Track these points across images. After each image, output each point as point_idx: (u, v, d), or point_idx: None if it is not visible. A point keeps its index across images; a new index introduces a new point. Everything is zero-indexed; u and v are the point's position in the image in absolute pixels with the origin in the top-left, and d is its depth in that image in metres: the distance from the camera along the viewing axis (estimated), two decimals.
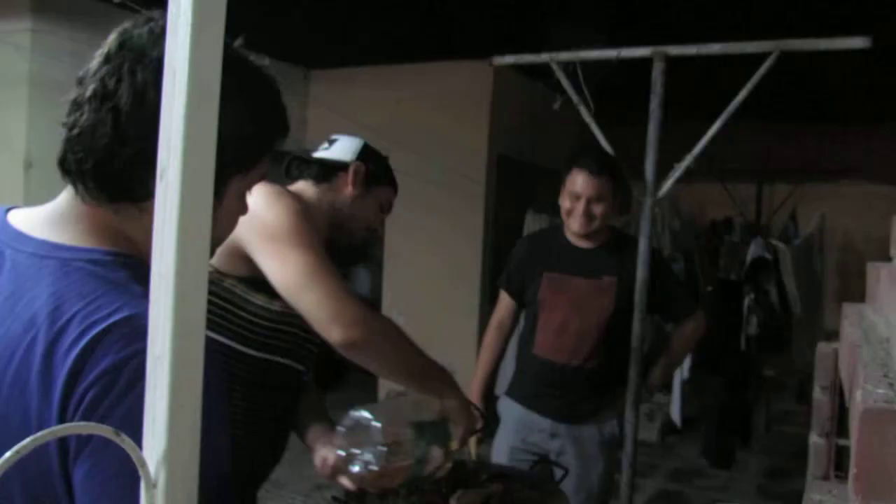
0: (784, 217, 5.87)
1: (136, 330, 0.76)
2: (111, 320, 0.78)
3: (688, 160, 2.74)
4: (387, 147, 2.10)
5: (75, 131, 0.86)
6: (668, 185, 2.80)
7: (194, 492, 0.67)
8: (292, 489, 4.40)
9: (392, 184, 2.00)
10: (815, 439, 1.73)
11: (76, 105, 0.87)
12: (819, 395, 1.71)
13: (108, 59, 0.86)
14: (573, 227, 2.51)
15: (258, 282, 1.54)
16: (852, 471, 0.60)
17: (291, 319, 1.60)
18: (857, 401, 0.61)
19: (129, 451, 0.63)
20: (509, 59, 3.04)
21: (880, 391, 0.62)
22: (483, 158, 5.43)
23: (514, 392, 2.73)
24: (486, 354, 2.79)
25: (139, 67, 0.84)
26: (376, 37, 4.76)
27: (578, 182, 2.46)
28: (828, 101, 5.24)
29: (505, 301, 2.77)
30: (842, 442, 1.66)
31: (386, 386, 5.88)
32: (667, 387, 5.41)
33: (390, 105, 5.62)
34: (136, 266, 0.86)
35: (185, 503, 0.66)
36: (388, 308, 5.87)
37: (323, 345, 1.63)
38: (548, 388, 2.60)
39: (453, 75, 5.42)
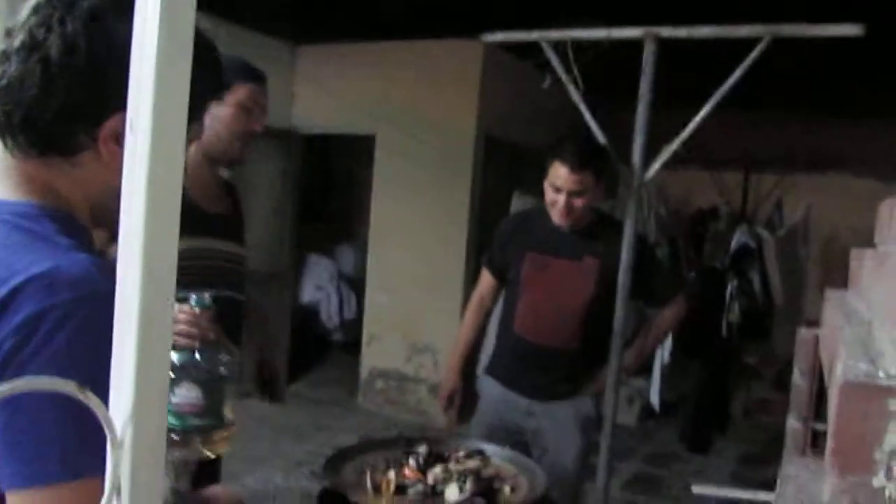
0: (770, 207, 5.89)
1: (57, 282, 0.75)
2: (32, 272, 0.77)
3: (676, 143, 2.73)
4: (374, 124, 2.11)
5: (3, 83, 0.85)
6: (655, 167, 2.79)
7: (162, 452, 0.66)
8: (271, 465, 4.40)
9: (240, 79, 1.99)
10: (792, 423, 1.73)
11: (4, 56, 0.85)
12: (798, 379, 1.71)
13: (36, 9, 0.85)
14: (554, 218, 2.52)
15: None
16: (830, 445, 0.60)
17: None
18: (838, 374, 0.60)
19: (94, 408, 0.61)
20: (499, 37, 3.01)
21: (861, 366, 0.62)
22: (471, 138, 5.41)
23: (493, 370, 2.75)
24: (466, 331, 2.80)
25: (69, 17, 0.82)
26: (365, 13, 4.71)
27: (560, 176, 2.47)
28: (818, 93, 5.25)
29: (487, 279, 2.78)
30: (819, 426, 1.66)
31: (368, 364, 5.89)
32: (646, 371, 5.45)
33: (378, 83, 5.58)
34: (64, 219, 0.85)
35: (152, 464, 0.64)
36: (374, 287, 5.86)
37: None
38: (526, 368, 2.62)
39: (442, 54, 5.38)
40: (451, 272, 5.54)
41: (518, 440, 2.63)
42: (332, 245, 7.27)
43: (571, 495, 2.65)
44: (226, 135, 2.00)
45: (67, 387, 0.64)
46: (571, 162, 2.45)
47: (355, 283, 6.83)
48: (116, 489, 0.64)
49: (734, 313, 4.47)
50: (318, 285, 6.81)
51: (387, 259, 5.80)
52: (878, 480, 0.57)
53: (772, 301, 4.67)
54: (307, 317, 6.78)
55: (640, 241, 2.67)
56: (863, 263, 1.27)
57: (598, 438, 2.70)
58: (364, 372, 5.88)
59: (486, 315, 2.83)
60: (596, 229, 2.60)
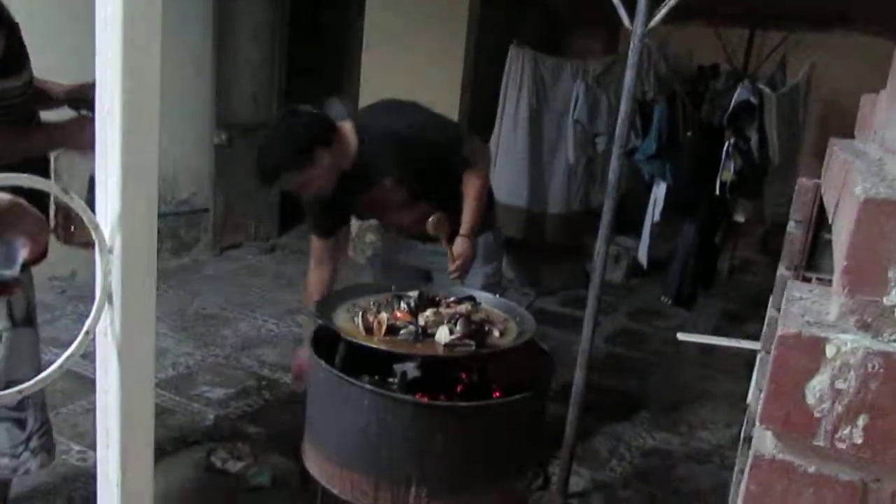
0: (773, 65, 5.73)
1: None
2: None
3: None
4: None
5: None
6: (657, 18, 2.68)
7: (153, 261, 0.64)
8: (263, 312, 4.49)
9: None
10: (782, 272, 1.75)
11: None
12: (793, 228, 1.71)
13: None
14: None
15: None
16: (841, 264, 0.59)
17: None
18: (857, 193, 0.58)
19: (79, 212, 0.59)
20: None
21: (881, 189, 0.59)
22: None
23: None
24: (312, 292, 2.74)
25: None
26: None
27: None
28: None
29: (318, 244, 2.71)
30: (808, 274, 1.68)
31: (355, 224, 5.89)
32: (634, 228, 5.50)
33: None
34: None
35: (143, 271, 0.62)
36: None
37: None
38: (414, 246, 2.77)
39: None
40: None
41: (422, 277, 2.77)
42: (321, 96, 7.09)
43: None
44: None
45: (52, 188, 0.61)
46: (264, 180, 2.42)
47: None
48: (108, 296, 0.62)
49: (728, 171, 4.44)
50: None
51: None
52: (890, 299, 0.56)
53: (768, 160, 4.64)
54: None
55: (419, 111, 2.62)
56: (876, 104, 1.23)
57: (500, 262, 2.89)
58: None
59: (334, 271, 2.75)
60: (371, 155, 2.51)
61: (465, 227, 2.58)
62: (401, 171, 2.51)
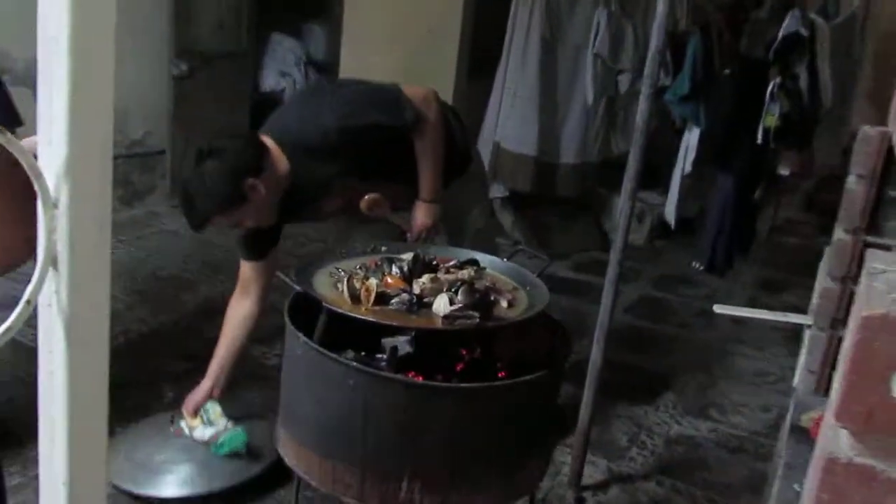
0: None
1: None
2: None
3: None
4: None
5: None
6: None
7: (107, 218, 0.61)
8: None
9: None
10: (840, 235, 1.73)
11: None
12: (853, 184, 1.69)
13: None
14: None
15: None
16: None
17: None
18: None
19: (18, 156, 0.56)
20: None
21: None
22: None
23: None
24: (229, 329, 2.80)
25: None
26: None
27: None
28: None
29: (247, 265, 2.77)
30: (872, 239, 1.66)
31: None
32: (661, 182, 5.47)
33: None
34: None
35: (95, 229, 0.59)
36: (347, 76, 5.69)
37: None
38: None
39: None
40: (441, 58, 5.38)
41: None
42: (298, 23, 6.99)
43: None
44: None
45: None
46: (192, 225, 2.41)
47: (325, 70, 6.64)
48: (52, 259, 0.60)
49: (773, 116, 4.39)
50: (282, 70, 6.61)
51: (363, 45, 5.61)
52: None
53: (818, 103, 4.58)
54: (270, 106, 6.65)
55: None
56: None
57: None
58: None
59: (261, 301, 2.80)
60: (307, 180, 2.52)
61: (422, 191, 2.64)
62: (345, 171, 2.52)
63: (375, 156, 2.52)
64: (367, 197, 2.56)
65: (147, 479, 2.58)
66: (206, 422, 2.69)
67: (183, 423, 2.72)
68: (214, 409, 2.71)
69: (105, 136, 0.56)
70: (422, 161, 2.61)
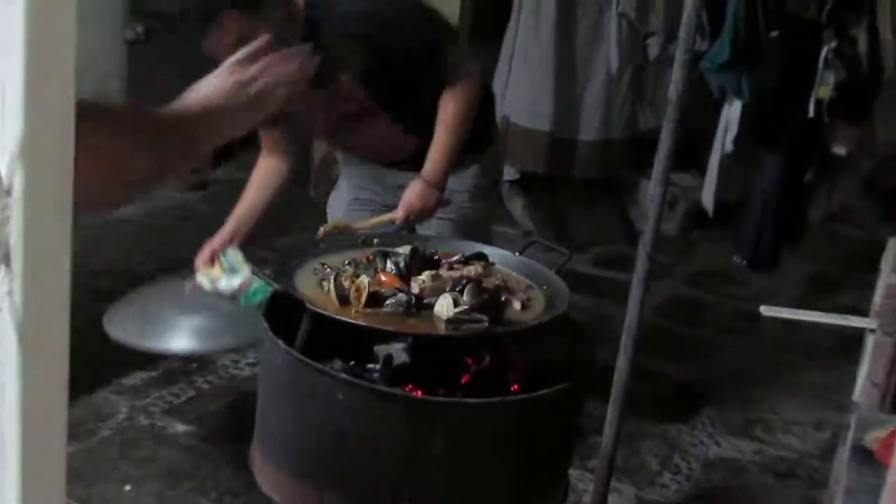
0: None
1: None
2: None
3: None
4: None
5: None
6: None
7: (68, 207, 0.61)
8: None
9: None
10: None
11: None
12: None
13: None
14: None
15: None
16: None
17: None
18: None
19: None
20: None
21: None
22: None
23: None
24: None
25: None
26: None
27: None
28: None
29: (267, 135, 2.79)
30: None
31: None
32: (696, 163, 5.47)
33: None
34: None
35: (54, 221, 0.60)
36: None
37: None
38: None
39: None
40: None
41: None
42: None
43: None
44: None
45: None
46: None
47: None
48: (4, 256, 0.60)
49: (826, 86, 4.39)
50: None
51: None
52: None
53: (880, 70, 4.58)
54: None
55: None
56: None
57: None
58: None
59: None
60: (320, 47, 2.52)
61: (428, 167, 2.58)
62: (362, 59, 2.48)
63: (397, 70, 2.50)
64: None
65: (158, 333, 2.50)
66: (227, 270, 2.60)
67: (200, 276, 2.62)
68: (236, 256, 2.62)
69: (66, 110, 0.57)
70: (442, 125, 2.56)
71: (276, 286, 2.09)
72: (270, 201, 2.77)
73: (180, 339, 2.48)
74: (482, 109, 2.69)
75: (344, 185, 3.00)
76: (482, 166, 2.83)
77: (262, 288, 2.44)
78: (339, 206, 2.94)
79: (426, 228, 2.74)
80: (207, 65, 1.42)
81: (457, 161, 2.66)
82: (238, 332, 2.51)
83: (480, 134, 2.75)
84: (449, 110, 2.55)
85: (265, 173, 2.76)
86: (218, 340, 2.49)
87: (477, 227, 2.81)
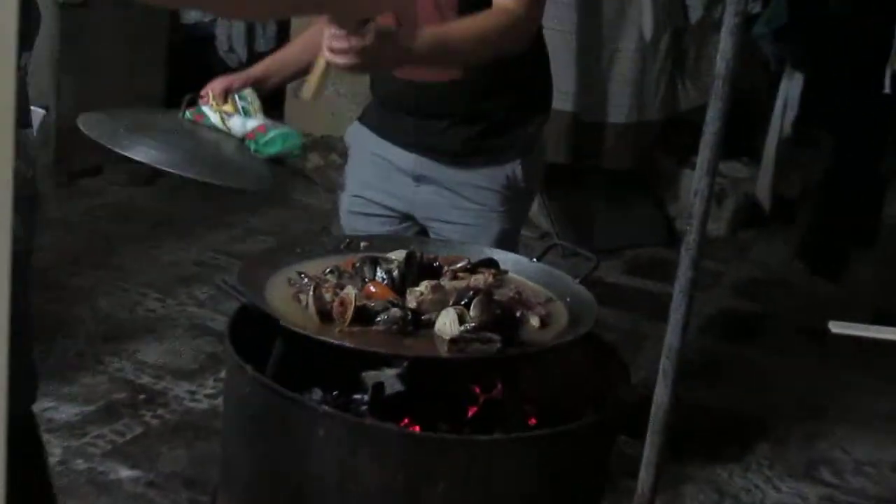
0: None
1: None
2: None
3: None
4: None
5: None
6: None
7: (7, 201, 0.62)
8: (139, 281, 4.48)
9: None
10: None
11: None
12: None
13: None
14: None
15: None
16: None
17: None
18: None
19: None
20: None
21: None
22: None
23: (368, 118, 2.87)
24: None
25: None
26: None
27: None
28: None
29: None
30: None
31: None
32: (747, 148, 5.48)
33: None
34: None
35: None
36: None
37: None
38: (414, 113, 2.72)
39: None
40: None
41: (406, 224, 2.83)
42: None
43: None
44: None
45: None
46: None
47: None
48: None
49: None
50: None
51: None
52: None
53: None
54: (196, 46, 6.67)
55: None
56: None
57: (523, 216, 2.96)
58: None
59: None
60: None
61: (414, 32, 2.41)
62: None
63: None
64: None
65: (142, 141, 2.43)
66: (241, 111, 2.58)
67: (207, 108, 2.58)
68: (255, 101, 2.60)
69: (5, 94, 0.58)
70: (468, 22, 2.48)
71: (243, 299, 2.08)
72: (308, 66, 2.76)
73: (167, 153, 2.38)
74: (536, 67, 2.76)
75: (352, 177, 2.98)
76: (525, 162, 2.79)
77: (281, 138, 2.44)
78: (343, 203, 2.96)
79: (439, 236, 2.74)
80: (142, 30, 1.50)
81: (491, 150, 2.70)
82: (238, 174, 2.50)
83: (528, 102, 2.78)
84: (490, 18, 2.48)
85: (315, 39, 2.73)
86: (213, 171, 2.43)
87: (507, 239, 2.77)
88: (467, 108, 2.68)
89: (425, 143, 2.72)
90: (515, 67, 2.64)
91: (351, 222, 2.87)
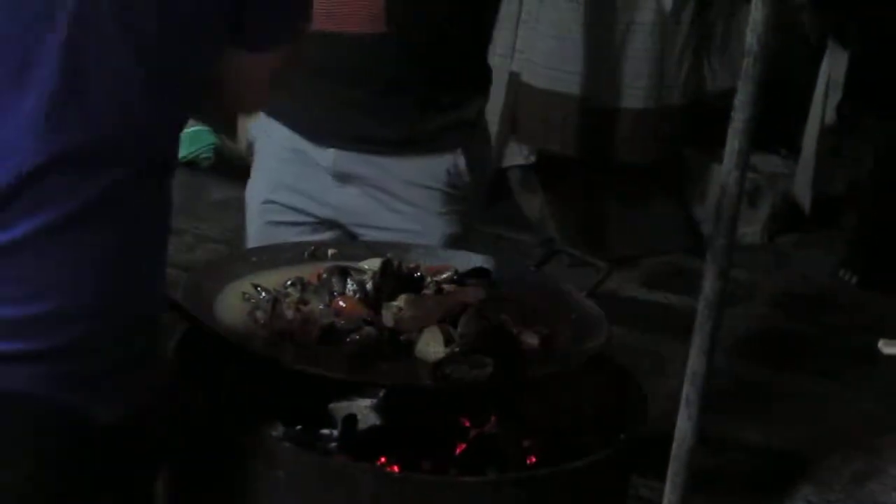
0: None
1: None
2: None
3: None
4: None
5: None
6: None
7: None
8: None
9: None
10: None
11: None
12: None
13: None
14: None
15: None
16: None
17: None
18: None
19: None
20: None
21: None
22: None
23: (277, 108, 2.78)
24: None
25: None
26: None
27: None
28: None
29: None
30: None
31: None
32: (784, 138, 5.49)
33: None
34: None
35: None
36: None
37: None
38: (332, 87, 2.69)
39: None
40: None
41: (331, 233, 2.81)
42: None
43: None
44: None
45: None
46: None
47: None
48: None
49: None
50: None
51: None
52: None
53: None
54: None
55: None
56: None
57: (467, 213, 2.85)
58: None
59: None
60: None
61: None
62: None
63: None
64: None
65: None
66: None
67: None
68: None
69: None
70: None
71: (193, 312, 2.07)
72: None
73: None
74: (475, 37, 2.79)
75: (259, 176, 2.97)
76: (467, 148, 2.78)
77: (188, 139, 2.44)
78: (252, 212, 2.93)
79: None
80: None
81: (426, 136, 2.70)
82: None
83: (466, 78, 2.80)
84: None
85: None
86: None
87: (453, 245, 2.74)
88: (396, 70, 2.65)
89: (346, 132, 2.70)
90: (453, 31, 2.65)
91: (265, 234, 2.82)
